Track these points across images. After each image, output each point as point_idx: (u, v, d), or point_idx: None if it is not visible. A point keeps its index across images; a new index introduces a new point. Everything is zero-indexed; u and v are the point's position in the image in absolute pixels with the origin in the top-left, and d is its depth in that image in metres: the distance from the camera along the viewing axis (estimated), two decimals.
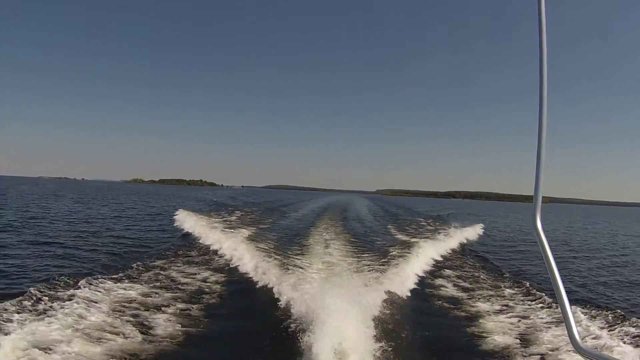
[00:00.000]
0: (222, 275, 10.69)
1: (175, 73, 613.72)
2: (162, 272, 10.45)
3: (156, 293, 8.60)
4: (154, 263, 11.41)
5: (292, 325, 6.60)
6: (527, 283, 10.96)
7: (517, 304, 9.09)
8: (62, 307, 6.94)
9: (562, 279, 1.44)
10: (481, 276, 12.24)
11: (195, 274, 10.62)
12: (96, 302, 7.43)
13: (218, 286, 9.67)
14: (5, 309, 6.58)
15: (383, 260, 12.69)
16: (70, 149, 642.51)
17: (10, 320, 6.19)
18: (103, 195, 58.00)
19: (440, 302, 9.41)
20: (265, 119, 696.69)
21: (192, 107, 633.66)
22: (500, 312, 8.56)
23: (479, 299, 9.62)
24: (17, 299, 7.14)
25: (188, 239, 16.51)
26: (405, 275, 10.62)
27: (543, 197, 1.57)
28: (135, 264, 10.83)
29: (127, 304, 7.67)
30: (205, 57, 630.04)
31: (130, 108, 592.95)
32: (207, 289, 9.32)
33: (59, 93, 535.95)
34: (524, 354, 6.44)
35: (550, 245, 1.51)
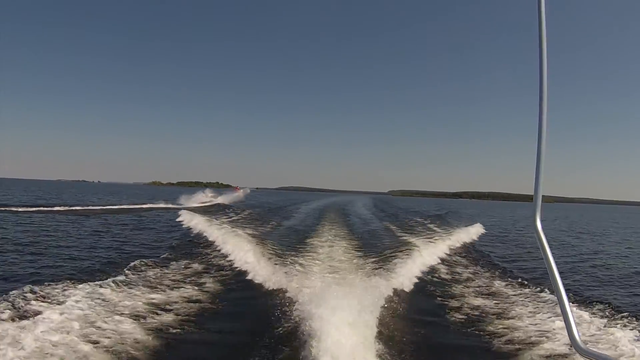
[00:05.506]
0: (224, 274, 10.70)
1: (192, 76, 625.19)
2: (163, 271, 10.49)
3: (156, 292, 8.59)
4: (154, 262, 11.39)
5: (293, 325, 6.60)
6: (527, 283, 10.93)
7: (517, 304, 9.03)
8: (56, 307, 6.86)
9: (562, 278, 1.44)
10: (481, 275, 12.19)
11: (197, 273, 10.62)
12: (95, 302, 7.40)
13: (220, 285, 9.68)
14: None
15: (384, 259, 12.67)
16: (89, 152, 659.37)
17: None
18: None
19: (441, 301, 9.42)
20: (279, 121, 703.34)
21: (209, 111, 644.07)
22: (500, 311, 8.53)
23: (479, 298, 9.61)
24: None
25: (190, 238, 16.64)
26: (407, 275, 10.59)
27: (546, 196, 1.34)
28: (135, 263, 10.83)
29: (126, 304, 7.62)
30: (220, 60, 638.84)
31: (150, 112, 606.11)
32: (208, 289, 9.33)
33: (79, 97, 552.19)
34: (524, 354, 6.37)
35: (550, 245, 1.52)
